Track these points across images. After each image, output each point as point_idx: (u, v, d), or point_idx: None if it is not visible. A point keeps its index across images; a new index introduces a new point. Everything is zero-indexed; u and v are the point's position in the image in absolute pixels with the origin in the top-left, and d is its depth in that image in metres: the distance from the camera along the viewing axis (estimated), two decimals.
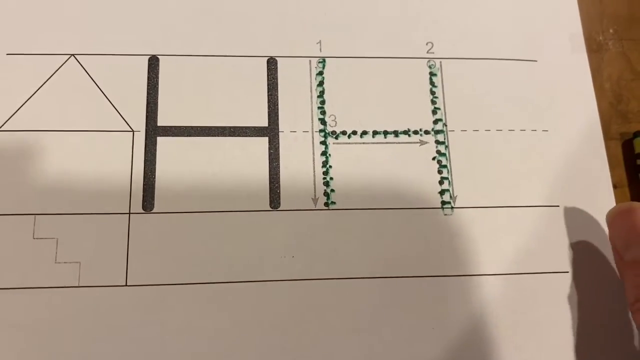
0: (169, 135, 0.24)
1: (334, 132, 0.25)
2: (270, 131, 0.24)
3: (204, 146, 0.24)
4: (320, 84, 0.25)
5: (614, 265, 0.24)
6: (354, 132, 0.25)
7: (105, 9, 0.25)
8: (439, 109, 0.25)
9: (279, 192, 0.24)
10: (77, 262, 0.22)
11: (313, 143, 0.24)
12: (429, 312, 0.23)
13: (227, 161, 0.24)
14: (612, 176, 0.25)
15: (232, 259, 0.23)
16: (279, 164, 0.24)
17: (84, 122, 0.23)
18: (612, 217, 0.22)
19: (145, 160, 0.23)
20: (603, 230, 0.24)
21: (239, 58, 0.25)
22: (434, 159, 0.25)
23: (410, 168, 0.24)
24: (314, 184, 0.24)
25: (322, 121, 0.25)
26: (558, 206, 0.25)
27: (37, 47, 0.24)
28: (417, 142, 0.25)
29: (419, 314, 0.23)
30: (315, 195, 0.24)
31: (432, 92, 0.25)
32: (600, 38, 0.28)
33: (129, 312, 0.22)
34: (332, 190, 0.24)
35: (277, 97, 0.25)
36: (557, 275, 0.24)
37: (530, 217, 0.24)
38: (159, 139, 0.24)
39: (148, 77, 0.24)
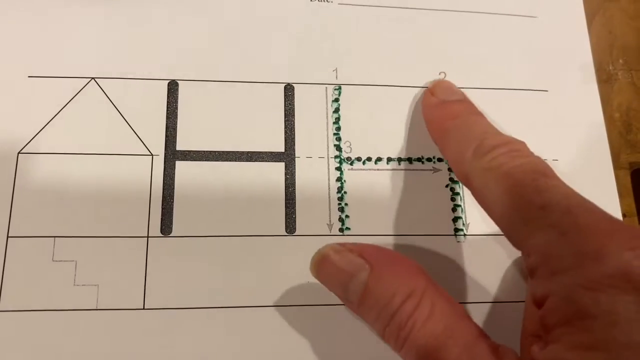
0: (188, 160, 0.24)
1: (349, 159, 0.25)
2: (287, 157, 0.25)
3: (221, 171, 0.24)
4: (336, 110, 0.25)
5: None
6: (369, 159, 0.25)
7: (126, 34, 0.25)
8: None
9: (295, 217, 0.24)
10: (95, 285, 0.22)
11: (328, 169, 0.25)
12: None
13: (244, 186, 0.24)
14: (621, 205, 0.26)
15: (248, 283, 0.23)
16: (295, 189, 0.24)
17: (104, 146, 0.24)
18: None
19: (164, 184, 0.24)
20: None
21: (257, 84, 0.25)
22: (447, 186, 0.25)
23: (423, 195, 0.25)
24: (329, 210, 0.24)
25: (338, 147, 0.25)
26: None
27: (58, 70, 0.25)
28: (430, 170, 0.25)
29: None
30: (330, 221, 0.24)
31: None
32: (610, 68, 0.28)
33: (146, 335, 0.22)
34: (347, 216, 0.24)
35: (294, 123, 0.25)
36: None
37: None
38: (177, 163, 0.24)
39: (167, 102, 0.25)
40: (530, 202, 0.18)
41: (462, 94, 0.25)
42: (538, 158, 0.20)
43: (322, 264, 0.20)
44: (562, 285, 0.16)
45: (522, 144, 0.21)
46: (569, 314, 0.16)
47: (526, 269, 0.18)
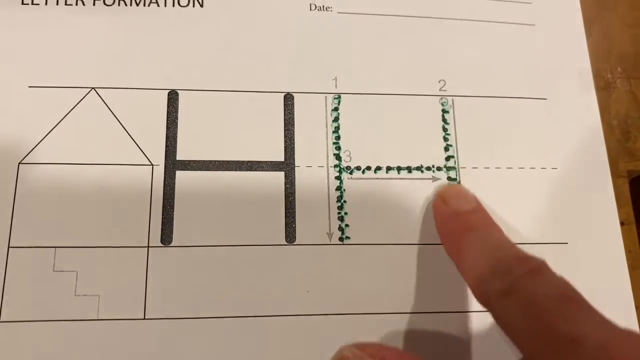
0: (188, 170, 0.24)
1: (348, 168, 0.25)
2: (287, 166, 0.25)
3: (221, 180, 0.24)
4: (336, 119, 0.26)
5: (621, 300, 0.24)
6: (368, 168, 0.25)
7: (126, 44, 0.25)
8: (451, 145, 0.26)
9: (295, 227, 0.24)
10: (96, 295, 0.22)
11: (328, 178, 0.25)
12: (446, 348, 0.23)
13: (244, 195, 0.24)
14: (619, 213, 0.26)
15: (248, 292, 0.23)
16: (294, 199, 0.24)
17: (104, 156, 0.24)
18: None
19: (164, 194, 0.24)
20: (610, 267, 0.25)
21: (256, 94, 0.25)
22: None
23: (423, 204, 0.25)
24: (329, 219, 0.24)
25: (337, 156, 0.25)
26: (567, 243, 0.25)
27: (58, 80, 0.25)
28: (429, 178, 0.25)
29: (437, 350, 0.23)
30: (330, 230, 0.24)
31: (445, 129, 0.26)
32: (609, 76, 0.28)
33: (147, 345, 0.22)
34: (347, 225, 0.24)
35: (294, 132, 0.25)
36: None
37: (540, 254, 0.25)
38: (177, 172, 0.24)
39: (167, 112, 0.25)
40: (559, 334, 0.16)
41: (475, 200, 0.23)
42: (562, 279, 0.19)
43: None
44: None
45: (542, 262, 0.19)
46: None
47: None
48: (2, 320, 0.22)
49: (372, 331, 0.23)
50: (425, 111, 0.26)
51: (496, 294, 0.19)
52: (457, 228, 0.22)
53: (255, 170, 0.24)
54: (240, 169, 0.24)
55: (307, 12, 0.27)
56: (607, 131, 0.27)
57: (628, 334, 0.16)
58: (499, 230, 0.22)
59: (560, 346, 0.16)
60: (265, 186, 0.24)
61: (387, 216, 0.24)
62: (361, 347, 0.18)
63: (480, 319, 0.24)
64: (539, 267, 0.19)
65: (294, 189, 0.24)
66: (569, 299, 0.18)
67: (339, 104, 0.26)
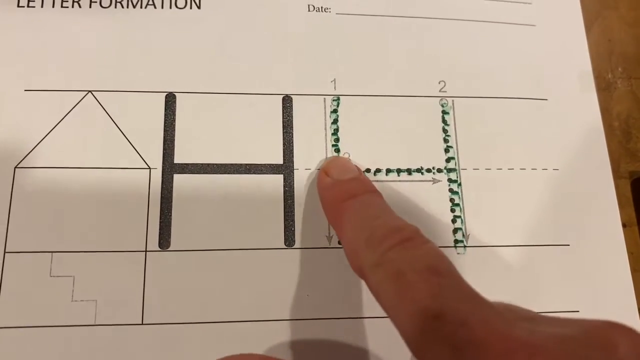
0: (186, 173, 0.24)
1: None
2: (285, 168, 0.24)
3: (219, 183, 0.24)
4: (335, 121, 0.25)
5: (623, 302, 0.24)
6: (368, 170, 0.25)
7: (123, 47, 0.25)
8: (451, 147, 0.26)
9: (294, 230, 0.24)
10: (93, 300, 0.22)
11: None
12: None
13: (242, 199, 0.24)
14: (621, 215, 0.26)
15: (247, 297, 0.23)
16: (293, 202, 0.24)
17: (101, 159, 0.24)
18: None
19: (162, 198, 0.23)
20: (612, 269, 0.25)
21: (254, 96, 0.25)
22: (447, 197, 0.25)
23: (423, 206, 0.25)
24: (328, 222, 0.24)
25: None
26: (568, 245, 0.25)
27: (54, 84, 0.24)
28: (430, 180, 0.25)
29: None
30: (329, 233, 0.24)
31: (445, 131, 0.26)
32: (609, 76, 0.28)
33: (145, 351, 0.22)
34: None
35: (292, 134, 0.25)
36: (567, 314, 0.24)
37: (541, 256, 0.25)
38: (175, 176, 0.24)
39: (165, 115, 0.24)
40: (424, 310, 0.16)
41: (357, 170, 0.24)
42: (432, 248, 0.18)
43: None
44: None
45: (414, 230, 0.19)
46: None
47: None
48: None
49: (373, 335, 0.23)
50: (425, 113, 0.26)
51: (369, 265, 0.18)
52: (338, 196, 0.22)
53: (254, 173, 0.24)
54: (239, 172, 0.24)
55: (306, 13, 0.27)
56: (609, 132, 0.27)
57: (490, 308, 0.16)
58: (379, 197, 0.22)
59: (425, 323, 0.16)
60: (263, 189, 0.24)
61: None
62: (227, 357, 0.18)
63: None
64: (410, 238, 0.19)
65: (293, 192, 0.24)
66: (435, 271, 0.17)
67: (338, 105, 0.25)
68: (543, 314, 0.24)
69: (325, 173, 0.24)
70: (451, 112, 0.26)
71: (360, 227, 0.20)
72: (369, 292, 0.23)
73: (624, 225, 0.25)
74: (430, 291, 0.16)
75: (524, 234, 0.25)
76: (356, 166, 0.24)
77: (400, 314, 0.17)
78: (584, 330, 0.15)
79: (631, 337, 0.15)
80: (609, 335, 0.15)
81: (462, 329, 0.15)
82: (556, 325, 0.15)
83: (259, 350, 0.22)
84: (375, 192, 0.22)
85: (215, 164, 0.24)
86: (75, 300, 0.22)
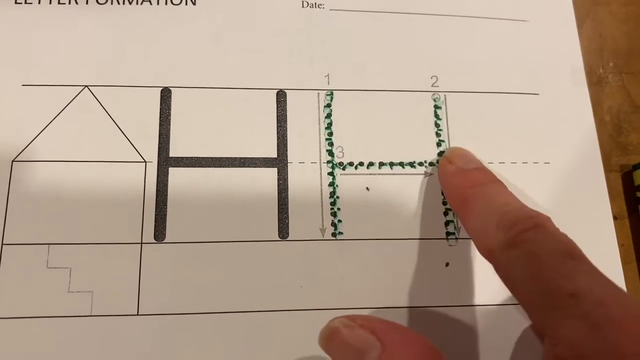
0: (181, 166, 0.24)
1: (341, 164, 0.25)
2: (279, 162, 0.25)
3: (214, 177, 0.24)
4: (328, 116, 0.26)
5: None
6: (361, 164, 0.25)
7: (119, 42, 0.26)
8: (443, 141, 0.26)
9: (288, 223, 0.24)
10: (89, 292, 0.22)
11: (321, 174, 0.25)
12: (435, 341, 0.23)
13: (237, 192, 0.24)
14: (612, 208, 0.26)
15: (241, 288, 0.23)
16: (287, 195, 0.24)
17: (97, 153, 0.24)
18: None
19: (157, 191, 0.24)
20: (604, 261, 0.25)
21: (249, 90, 0.25)
22: (439, 190, 0.25)
23: (415, 199, 0.25)
24: (322, 215, 0.24)
25: (330, 152, 0.25)
26: None
27: (51, 79, 0.25)
28: (422, 174, 0.25)
29: None
30: (323, 226, 0.24)
31: (437, 125, 0.26)
32: (601, 71, 0.28)
33: (140, 341, 0.22)
34: (340, 221, 0.24)
35: (286, 129, 0.25)
36: None
37: None
38: (170, 169, 0.24)
39: (160, 109, 0.25)
40: (559, 288, 0.17)
41: (480, 162, 0.24)
42: (565, 236, 0.19)
43: (331, 339, 0.19)
44: None
45: (547, 218, 0.20)
46: None
47: (552, 357, 0.17)
48: None
49: None
50: (417, 107, 0.26)
51: (500, 247, 0.19)
52: (463, 183, 0.23)
53: (248, 166, 0.25)
54: (233, 166, 0.24)
55: (300, 9, 0.27)
56: (600, 126, 0.27)
57: (624, 292, 0.17)
58: (505, 187, 0.23)
59: (559, 300, 0.16)
60: (258, 182, 0.24)
61: (380, 211, 0.25)
62: (352, 317, 0.18)
63: (469, 313, 0.24)
64: (543, 223, 0.19)
65: (287, 185, 0.25)
66: (570, 255, 0.18)
67: (331, 100, 0.26)
68: None
69: (449, 161, 0.24)
70: (443, 107, 0.26)
71: (489, 212, 0.21)
72: (361, 284, 0.23)
73: (615, 218, 0.26)
74: (565, 272, 0.17)
75: None
76: (478, 158, 0.25)
77: (533, 292, 0.18)
78: None
79: None
80: None
81: (599, 308, 0.16)
82: None
83: (253, 340, 0.22)
84: (500, 182, 0.23)
85: (210, 157, 0.24)
86: (72, 292, 0.22)
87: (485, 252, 0.20)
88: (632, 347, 0.15)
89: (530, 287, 0.18)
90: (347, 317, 0.19)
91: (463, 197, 0.22)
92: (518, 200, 0.21)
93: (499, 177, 0.25)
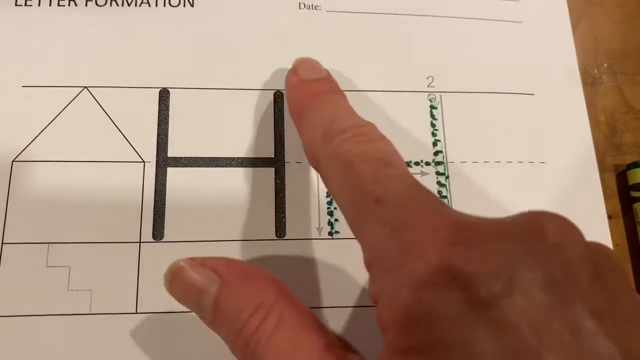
0: (179, 166, 0.24)
1: None
2: (277, 162, 0.25)
3: (212, 176, 0.24)
4: None
5: None
6: None
7: (118, 43, 0.26)
8: (439, 140, 0.26)
9: (285, 222, 0.24)
10: (89, 290, 0.23)
11: (317, 174, 0.25)
12: None
13: (234, 191, 0.24)
14: (607, 207, 0.26)
15: None
16: (284, 194, 0.25)
17: (96, 153, 0.24)
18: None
19: (156, 190, 0.24)
20: None
21: (246, 91, 0.26)
22: (435, 190, 0.25)
23: None
24: (319, 214, 0.25)
25: None
26: None
27: (51, 80, 0.25)
28: (418, 173, 0.26)
29: None
30: (319, 225, 0.24)
31: (433, 125, 0.26)
32: (595, 72, 0.29)
33: (139, 339, 0.22)
34: (336, 220, 0.24)
35: (284, 129, 0.25)
36: None
37: None
38: (169, 169, 0.24)
39: (159, 110, 0.25)
40: (367, 194, 0.17)
41: (326, 72, 0.24)
42: (385, 143, 0.19)
43: (174, 280, 0.19)
44: (390, 284, 0.15)
45: (371, 126, 0.20)
46: (396, 315, 0.15)
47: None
48: None
49: (363, 323, 0.23)
50: (413, 107, 0.26)
51: (322, 157, 0.19)
52: (303, 94, 0.23)
53: (246, 166, 0.25)
54: (231, 165, 0.25)
55: (297, 11, 0.27)
56: (594, 126, 0.27)
57: (430, 194, 0.17)
58: (342, 97, 0.22)
59: (366, 206, 0.17)
60: (255, 182, 0.25)
61: None
62: (192, 258, 0.19)
63: None
64: (365, 133, 0.19)
65: (284, 185, 0.25)
66: (384, 162, 0.18)
67: None
68: None
69: (294, 72, 0.24)
70: (439, 107, 0.27)
71: (319, 123, 0.20)
72: (358, 282, 0.24)
73: (609, 217, 0.26)
74: (375, 178, 0.17)
75: None
76: (325, 69, 0.24)
77: (346, 198, 0.18)
78: (514, 216, 0.16)
79: (558, 221, 0.15)
80: (538, 219, 0.15)
81: (400, 211, 0.16)
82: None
83: None
84: (339, 92, 0.23)
85: (208, 157, 0.25)
86: (71, 290, 0.23)
87: (313, 163, 0.21)
88: (417, 242, 0.15)
89: (345, 195, 0.18)
90: (189, 257, 0.19)
91: (300, 109, 0.22)
92: (349, 110, 0.21)
93: (493, 176, 0.25)
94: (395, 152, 0.19)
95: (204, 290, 0.18)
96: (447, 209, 0.16)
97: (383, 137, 0.19)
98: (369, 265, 0.17)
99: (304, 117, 0.22)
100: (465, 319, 0.14)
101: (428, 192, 0.17)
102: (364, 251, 0.17)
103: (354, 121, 0.20)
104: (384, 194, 0.17)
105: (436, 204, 0.16)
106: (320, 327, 0.17)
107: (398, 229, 0.16)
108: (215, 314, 0.18)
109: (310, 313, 0.18)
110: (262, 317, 0.17)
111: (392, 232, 0.16)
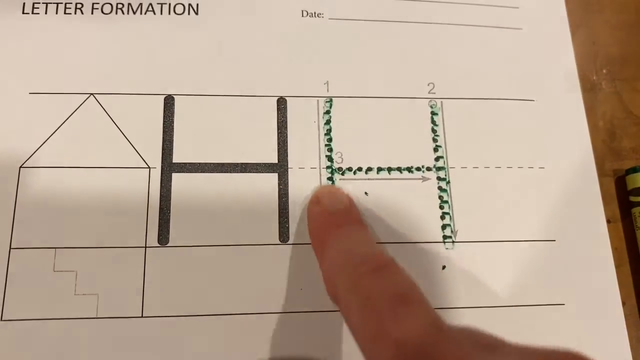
0: (184, 172, 0.25)
1: (340, 169, 0.26)
2: (280, 167, 0.25)
3: (216, 182, 0.25)
4: (328, 122, 0.26)
5: (607, 297, 0.25)
6: (360, 169, 0.26)
7: (123, 51, 0.26)
8: (440, 146, 0.26)
9: (288, 227, 0.25)
10: (95, 294, 0.23)
11: (320, 179, 0.25)
12: None
13: (238, 196, 0.25)
14: (606, 211, 0.26)
15: (243, 290, 0.24)
16: (288, 199, 0.25)
17: (102, 159, 0.25)
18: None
19: (161, 196, 0.24)
20: (597, 264, 0.26)
21: (250, 98, 0.26)
22: (436, 195, 0.26)
23: (413, 203, 0.26)
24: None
25: (329, 158, 0.26)
26: (554, 240, 0.26)
27: (58, 87, 0.25)
28: (419, 179, 0.26)
29: None
30: None
31: (434, 131, 0.27)
32: (594, 78, 0.29)
33: (145, 343, 0.23)
34: None
35: (287, 135, 0.26)
36: (553, 307, 0.25)
37: (527, 251, 0.25)
38: (174, 175, 0.25)
39: (164, 116, 0.25)
40: (386, 335, 0.17)
41: (348, 202, 0.24)
42: (403, 278, 0.19)
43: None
44: None
45: (389, 260, 0.20)
46: None
47: None
48: (4, 319, 0.22)
49: None
50: (415, 113, 0.27)
51: (341, 291, 0.19)
52: (323, 225, 0.23)
53: (250, 172, 0.25)
54: (235, 171, 0.25)
55: (299, 19, 0.28)
56: (593, 132, 0.28)
57: (457, 332, 0.17)
58: (363, 228, 0.23)
59: (383, 347, 0.16)
60: (259, 187, 0.25)
61: (378, 215, 0.25)
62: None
63: (466, 315, 0.24)
64: (384, 265, 0.19)
65: (287, 190, 0.25)
66: (404, 298, 0.18)
67: (330, 107, 0.26)
68: (528, 307, 0.24)
69: (316, 201, 0.24)
70: (440, 113, 0.27)
71: (338, 256, 0.21)
72: None
73: (608, 222, 0.26)
74: (394, 317, 0.17)
75: (511, 230, 0.26)
76: (347, 195, 0.24)
77: (364, 337, 0.18)
78: (544, 352, 0.16)
79: None
80: None
81: (422, 353, 0.16)
82: (515, 354, 0.16)
83: (254, 341, 0.23)
84: (360, 223, 0.23)
85: (212, 163, 0.25)
86: (78, 294, 0.23)
87: (333, 297, 0.20)
88: None
89: (364, 332, 0.18)
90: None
91: (320, 240, 0.23)
92: (370, 242, 0.22)
93: (493, 181, 0.25)
94: (414, 286, 0.18)
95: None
96: (467, 356, 0.16)
97: (402, 271, 0.19)
98: None
99: (324, 249, 0.22)
100: None
101: (448, 336, 0.17)
102: None
103: (373, 252, 0.20)
104: (403, 336, 0.16)
105: (457, 350, 0.16)
106: None
107: None
108: None
109: None
110: None
111: None
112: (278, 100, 0.26)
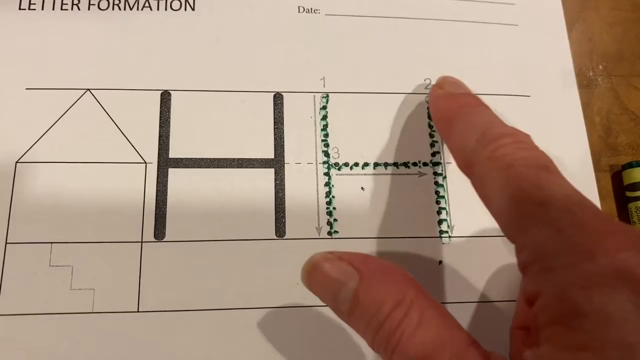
0: (180, 167, 0.25)
1: (336, 164, 0.26)
2: (276, 163, 0.25)
3: (213, 177, 0.25)
4: (324, 118, 0.26)
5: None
6: (356, 164, 0.26)
7: (120, 47, 0.26)
8: (436, 141, 0.26)
9: (284, 222, 0.25)
10: (91, 289, 0.23)
11: (317, 174, 0.25)
12: None
13: (235, 191, 0.25)
14: (602, 207, 0.26)
15: (240, 286, 0.24)
16: (284, 194, 0.25)
17: (99, 154, 0.25)
18: None
19: (157, 191, 0.24)
20: None
21: (247, 93, 0.26)
22: (432, 189, 0.26)
23: (409, 198, 0.26)
24: (318, 214, 0.25)
25: (326, 153, 0.26)
26: None
27: (54, 82, 0.25)
28: (416, 174, 0.26)
29: None
30: (319, 225, 0.25)
31: (430, 126, 0.27)
32: (590, 74, 0.29)
33: (141, 337, 0.23)
34: (335, 220, 0.25)
35: (283, 130, 0.26)
36: None
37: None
38: (170, 170, 0.25)
39: (160, 111, 0.25)
40: (530, 197, 0.17)
41: (469, 89, 0.25)
42: (542, 152, 0.19)
43: (312, 273, 0.19)
44: (555, 283, 0.16)
45: (527, 136, 0.20)
46: (561, 313, 0.15)
47: (518, 265, 0.17)
48: (0, 313, 0.22)
49: None
50: (411, 109, 0.27)
51: (478, 160, 0.20)
52: (450, 105, 0.23)
53: (246, 167, 0.25)
54: (231, 166, 0.25)
55: (296, 14, 0.28)
56: (590, 127, 0.28)
57: (590, 202, 0.17)
58: (489, 109, 0.23)
59: (528, 208, 0.17)
60: (255, 183, 0.25)
61: (374, 211, 0.25)
62: (331, 252, 0.19)
63: (463, 310, 0.24)
64: (523, 140, 0.20)
65: (284, 185, 0.25)
66: (545, 168, 0.18)
67: (327, 102, 0.26)
68: None
69: (439, 87, 0.25)
70: None
71: (472, 128, 0.21)
72: None
73: None
74: (537, 182, 0.18)
75: None
76: (467, 86, 0.25)
77: (505, 202, 0.18)
78: None
79: None
80: None
81: (566, 214, 0.16)
82: None
83: (251, 336, 0.23)
84: (486, 105, 0.23)
85: (209, 158, 0.25)
86: (74, 289, 0.23)
87: (464, 166, 0.21)
88: (589, 244, 0.15)
89: (503, 197, 0.18)
90: (327, 251, 0.19)
91: (448, 117, 0.23)
92: (501, 121, 0.22)
93: None
94: (552, 162, 0.19)
95: (343, 283, 0.18)
96: (612, 218, 0.17)
97: (539, 148, 0.20)
98: (526, 265, 0.17)
99: (452, 124, 0.22)
100: (637, 321, 0.14)
101: (590, 201, 0.17)
102: (520, 252, 0.17)
103: (510, 129, 0.21)
104: (549, 198, 0.17)
105: (601, 211, 0.17)
106: (459, 325, 0.18)
107: (565, 232, 0.16)
108: (354, 308, 0.18)
109: (447, 312, 0.18)
110: (404, 312, 0.17)
111: (559, 234, 0.16)
112: (275, 96, 0.26)
